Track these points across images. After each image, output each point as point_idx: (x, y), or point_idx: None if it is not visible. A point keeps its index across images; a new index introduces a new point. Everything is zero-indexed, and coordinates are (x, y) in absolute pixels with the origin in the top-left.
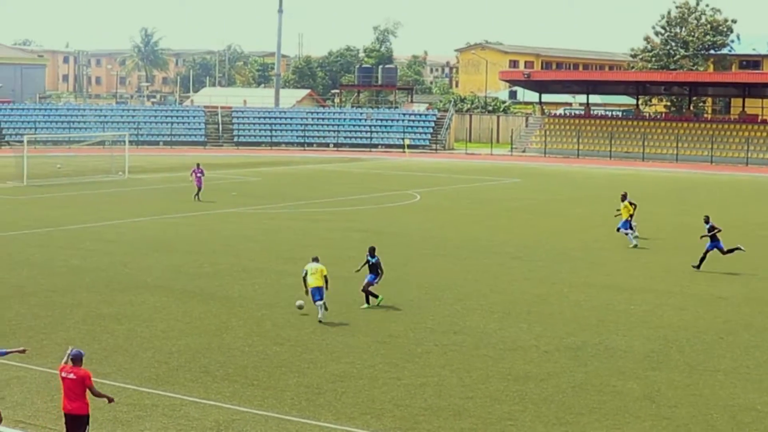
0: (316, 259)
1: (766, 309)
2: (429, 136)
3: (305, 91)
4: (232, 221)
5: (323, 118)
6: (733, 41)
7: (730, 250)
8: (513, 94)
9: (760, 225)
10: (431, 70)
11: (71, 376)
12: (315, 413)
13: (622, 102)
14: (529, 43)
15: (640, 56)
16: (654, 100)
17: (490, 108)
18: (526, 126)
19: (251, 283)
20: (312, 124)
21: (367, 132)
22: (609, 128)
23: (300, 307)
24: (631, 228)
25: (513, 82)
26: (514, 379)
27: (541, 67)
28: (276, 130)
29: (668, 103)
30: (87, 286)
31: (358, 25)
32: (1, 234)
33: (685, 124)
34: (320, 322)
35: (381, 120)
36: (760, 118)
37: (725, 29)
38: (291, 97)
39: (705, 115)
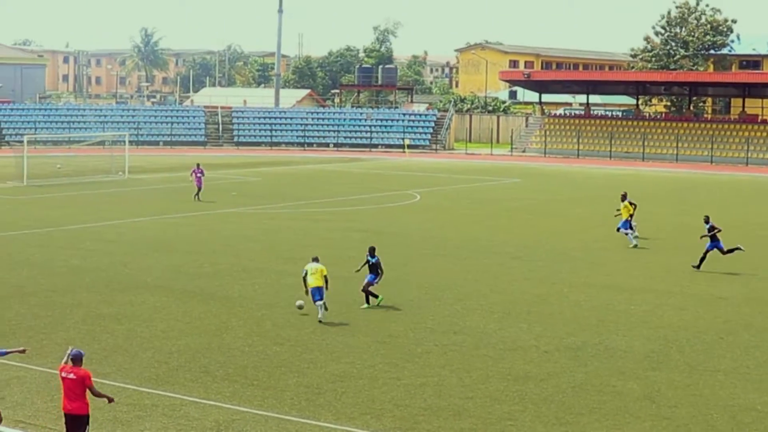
0: (316, 259)
1: (767, 309)
2: (429, 136)
3: (305, 91)
4: (232, 221)
5: (323, 118)
6: (733, 41)
7: (730, 250)
8: (513, 94)
9: (761, 225)
10: (431, 70)
11: (71, 376)
12: (315, 413)
13: (622, 102)
14: (529, 43)
15: (640, 56)
16: (654, 100)
17: (490, 108)
18: (526, 126)
19: (251, 283)
20: (312, 124)
21: (367, 132)
22: (609, 128)
23: (300, 307)
24: (632, 228)
25: (513, 82)
26: (514, 379)
27: (541, 67)
28: (276, 130)
29: (668, 103)
30: (87, 286)
31: (358, 25)
32: (1, 234)
33: (685, 124)
34: (320, 322)
35: (381, 120)
36: (760, 118)
37: (725, 29)
38: (291, 97)
39: (705, 115)
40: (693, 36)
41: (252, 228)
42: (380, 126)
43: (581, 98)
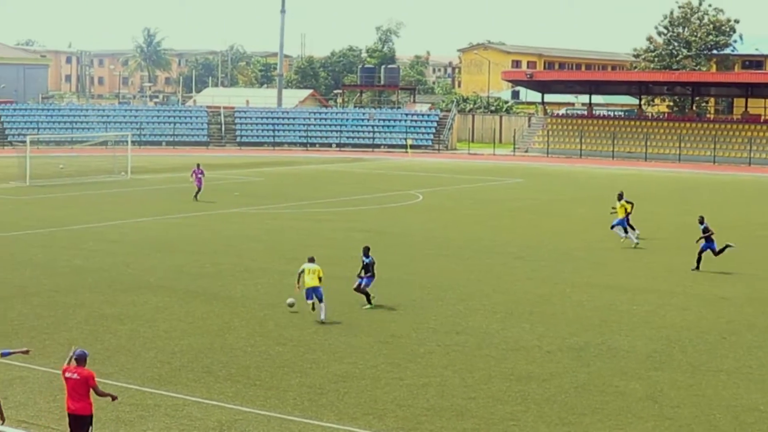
0: (312, 260)
1: None
2: (431, 137)
3: (308, 92)
4: (235, 221)
5: (326, 119)
6: (735, 41)
7: (721, 250)
8: (516, 94)
9: (763, 225)
10: (434, 70)
11: (75, 376)
12: (317, 413)
13: (625, 102)
14: (532, 43)
15: (643, 56)
16: (657, 100)
17: (493, 108)
18: (529, 126)
19: (254, 283)
20: (314, 125)
21: (369, 132)
22: (612, 128)
23: (291, 305)
24: (632, 227)
25: (516, 82)
26: (516, 380)
27: (544, 67)
28: (278, 131)
29: (671, 103)
30: (89, 286)
31: (361, 26)
32: (4, 234)
33: (688, 125)
34: (322, 322)
35: (383, 120)
36: (762, 118)
37: (728, 29)
38: (293, 97)
39: (708, 115)
40: (696, 36)
41: (254, 228)
42: (383, 126)
43: (584, 98)
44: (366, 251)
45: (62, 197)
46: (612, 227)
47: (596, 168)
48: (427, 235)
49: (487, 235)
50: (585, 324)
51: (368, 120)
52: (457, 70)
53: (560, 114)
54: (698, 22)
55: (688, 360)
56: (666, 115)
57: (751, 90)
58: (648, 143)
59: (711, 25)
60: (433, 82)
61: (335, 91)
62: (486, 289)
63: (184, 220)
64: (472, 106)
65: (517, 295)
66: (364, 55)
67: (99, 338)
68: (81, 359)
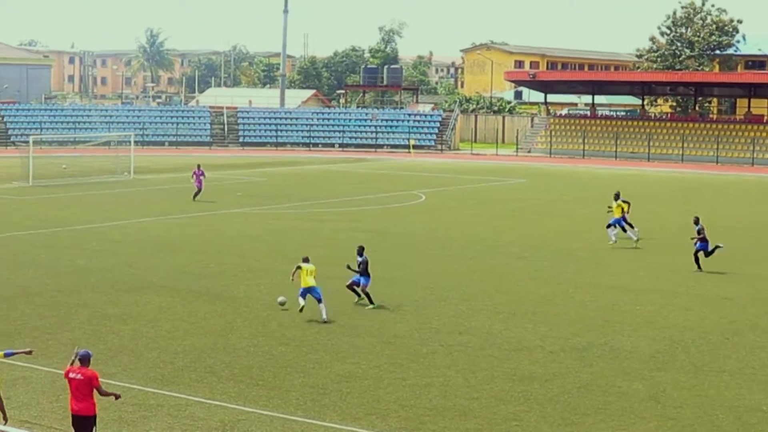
0: (306, 260)
1: None
2: (434, 137)
3: (310, 92)
4: (238, 221)
5: (328, 119)
6: (738, 41)
7: (712, 251)
8: (518, 95)
9: (766, 225)
10: (436, 71)
11: (78, 376)
12: (320, 413)
13: (628, 102)
14: (535, 43)
15: (646, 56)
16: (659, 101)
17: (496, 108)
18: (532, 126)
19: (256, 283)
20: (317, 125)
21: (372, 132)
22: (614, 128)
23: (282, 304)
24: (630, 226)
25: (518, 83)
26: (519, 380)
27: (547, 68)
28: (281, 131)
29: (674, 104)
30: (92, 286)
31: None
32: (7, 234)
33: (691, 125)
34: (325, 321)
35: (386, 120)
36: (765, 118)
37: (731, 29)
38: (296, 97)
39: (710, 116)
40: (698, 36)
41: (257, 228)
42: (385, 126)
43: (587, 98)
44: (360, 251)
45: (65, 197)
46: (608, 226)
47: (599, 168)
48: (430, 236)
49: (490, 235)
50: (588, 324)
51: (371, 120)
52: (459, 71)
53: (563, 114)
54: (701, 22)
55: (691, 360)
56: (669, 115)
57: (754, 90)
58: (651, 143)
59: (714, 26)
60: (436, 83)
61: (338, 92)
62: (489, 290)
63: (186, 220)
64: (474, 106)
65: (520, 296)
66: (366, 55)
67: (102, 338)
68: (85, 359)
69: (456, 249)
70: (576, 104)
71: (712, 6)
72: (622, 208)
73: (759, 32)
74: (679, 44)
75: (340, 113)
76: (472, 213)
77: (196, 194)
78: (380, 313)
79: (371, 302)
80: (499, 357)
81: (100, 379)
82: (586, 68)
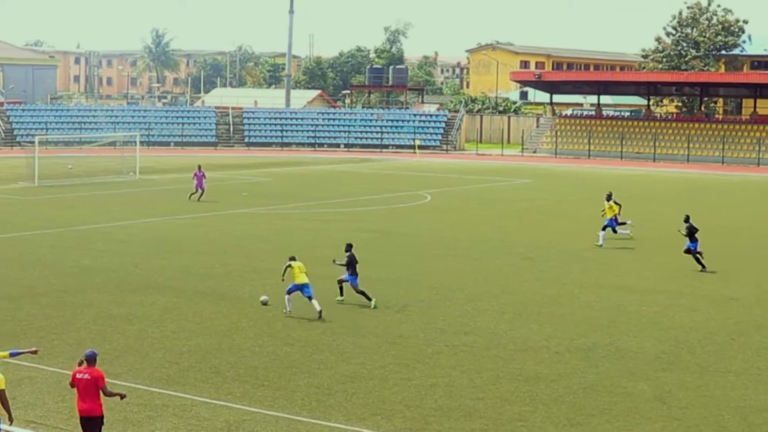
0: (293, 258)
1: None
2: (440, 137)
3: (316, 92)
4: (243, 222)
5: (334, 119)
6: (744, 42)
7: (698, 254)
8: (524, 95)
9: None
10: (442, 71)
11: (86, 376)
12: (325, 414)
13: (633, 102)
14: (540, 43)
15: (651, 57)
16: (665, 101)
17: (501, 108)
18: (537, 126)
19: (262, 283)
20: (323, 125)
21: (377, 132)
22: (620, 129)
23: (264, 303)
24: (622, 223)
25: (524, 83)
26: (524, 380)
27: (552, 68)
28: (287, 131)
29: (679, 104)
30: (98, 286)
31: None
32: (13, 234)
33: (697, 125)
34: (320, 312)
35: (391, 120)
36: None
37: (737, 30)
38: (302, 97)
39: (716, 116)
40: (704, 36)
41: (263, 228)
42: (391, 126)
43: (592, 99)
44: (348, 248)
45: (71, 197)
46: (603, 228)
47: (605, 168)
48: (435, 236)
49: (495, 235)
50: (593, 325)
51: (376, 120)
52: (465, 71)
53: (568, 114)
54: (707, 22)
55: (697, 361)
56: (674, 115)
57: (759, 90)
58: (656, 144)
59: (720, 26)
60: (442, 83)
61: (343, 92)
62: (494, 290)
63: (192, 220)
64: (480, 106)
65: (526, 296)
66: (372, 55)
67: (107, 338)
68: (91, 359)
69: (461, 249)
70: (581, 104)
71: (718, 6)
72: (614, 209)
73: (765, 32)
74: (684, 44)
75: (345, 113)
76: (477, 213)
77: (192, 194)
78: (385, 313)
79: (368, 298)
80: (505, 357)
81: (105, 380)
82: (591, 68)
